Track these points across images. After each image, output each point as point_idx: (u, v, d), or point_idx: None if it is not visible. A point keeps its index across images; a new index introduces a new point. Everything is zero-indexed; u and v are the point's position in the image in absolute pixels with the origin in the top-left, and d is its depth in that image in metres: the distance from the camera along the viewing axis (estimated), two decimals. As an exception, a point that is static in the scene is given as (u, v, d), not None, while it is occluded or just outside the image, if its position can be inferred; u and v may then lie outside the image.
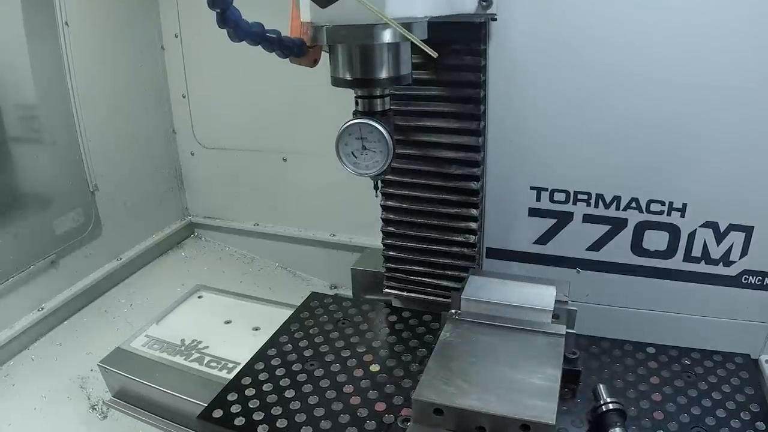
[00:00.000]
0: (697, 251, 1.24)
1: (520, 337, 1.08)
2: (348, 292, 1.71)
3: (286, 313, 1.46)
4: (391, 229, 1.41)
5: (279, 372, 1.22)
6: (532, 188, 1.29)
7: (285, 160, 2.02)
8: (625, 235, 1.27)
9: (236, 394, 1.15)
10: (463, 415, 0.91)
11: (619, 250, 1.29)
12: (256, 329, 1.62)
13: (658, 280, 1.28)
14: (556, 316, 1.10)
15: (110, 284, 1.96)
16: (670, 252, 1.26)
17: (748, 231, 1.19)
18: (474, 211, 1.31)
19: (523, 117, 1.23)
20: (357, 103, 1.00)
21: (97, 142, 1.86)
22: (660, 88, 1.13)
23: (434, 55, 0.89)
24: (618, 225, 1.27)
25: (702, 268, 1.25)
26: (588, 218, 1.28)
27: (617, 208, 1.25)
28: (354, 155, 1.03)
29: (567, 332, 1.09)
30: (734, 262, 1.22)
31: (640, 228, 1.25)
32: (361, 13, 0.83)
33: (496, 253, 1.38)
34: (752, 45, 1.06)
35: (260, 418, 1.09)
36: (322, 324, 1.38)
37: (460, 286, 1.20)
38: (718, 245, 1.22)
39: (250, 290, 1.89)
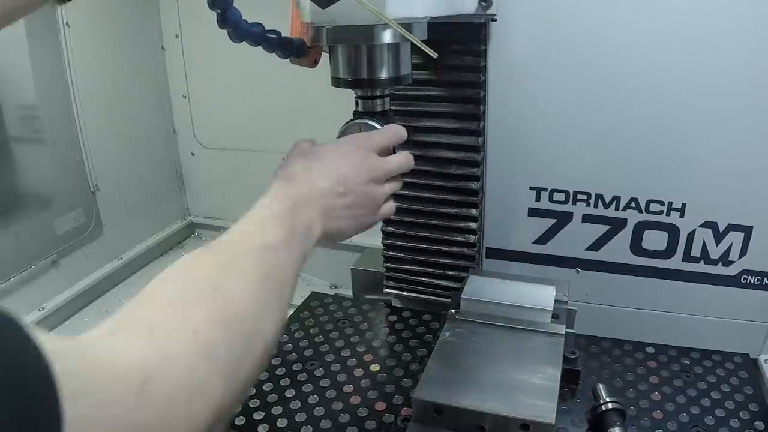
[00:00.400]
0: (696, 251, 1.24)
1: (519, 336, 1.08)
2: (348, 292, 1.71)
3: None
4: (391, 229, 1.41)
5: (279, 372, 1.22)
6: (531, 188, 1.29)
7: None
8: (625, 235, 1.27)
9: (236, 394, 1.15)
10: (463, 414, 0.91)
11: (618, 250, 1.29)
12: (257, 329, 1.62)
13: (658, 280, 1.29)
14: (555, 316, 1.11)
15: (111, 284, 1.96)
16: (669, 252, 1.26)
17: (747, 231, 1.19)
18: (474, 211, 1.31)
19: (523, 117, 1.23)
20: (357, 104, 1.01)
21: (98, 143, 1.86)
22: (660, 88, 1.13)
23: (434, 55, 0.89)
24: (617, 225, 1.27)
25: (701, 267, 1.25)
26: (587, 218, 1.28)
27: (617, 208, 1.25)
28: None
29: (566, 332, 1.09)
30: (733, 261, 1.23)
31: (640, 228, 1.25)
32: (361, 14, 0.84)
33: (495, 253, 1.38)
34: (752, 45, 1.06)
35: (260, 417, 1.09)
36: (322, 324, 1.39)
37: (459, 286, 1.20)
38: (717, 245, 1.22)
39: (251, 290, 1.89)
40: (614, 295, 1.33)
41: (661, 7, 1.08)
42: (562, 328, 1.09)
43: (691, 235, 1.23)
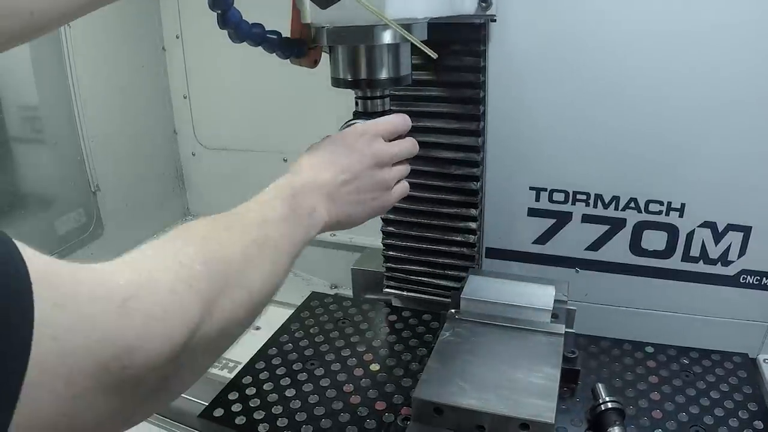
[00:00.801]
0: (695, 251, 1.24)
1: (519, 336, 1.09)
2: (348, 292, 1.71)
3: (286, 313, 1.47)
4: (390, 229, 1.42)
5: (279, 371, 1.22)
6: (531, 188, 1.29)
7: (285, 160, 2.03)
8: (624, 235, 1.27)
9: (237, 393, 1.16)
10: (463, 414, 0.91)
11: (617, 249, 1.29)
12: (257, 328, 1.62)
13: (657, 280, 1.29)
14: (555, 316, 1.11)
15: (112, 284, 1.97)
16: (668, 252, 1.26)
17: (746, 231, 1.19)
18: (473, 211, 1.32)
19: (523, 117, 1.23)
20: (357, 104, 1.01)
21: (99, 143, 1.87)
22: (659, 89, 1.14)
23: (434, 56, 0.90)
24: (617, 225, 1.27)
25: (700, 267, 1.25)
26: (587, 218, 1.28)
27: (616, 208, 1.25)
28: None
29: (566, 331, 1.09)
30: (732, 261, 1.23)
31: (639, 228, 1.26)
32: (361, 14, 0.84)
33: (495, 253, 1.39)
34: (751, 45, 1.06)
35: (261, 417, 1.10)
36: (323, 323, 1.39)
37: (459, 286, 1.21)
38: (716, 245, 1.22)
39: (251, 290, 1.89)
40: (614, 294, 1.34)
41: (660, 8, 1.08)
42: (561, 328, 1.09)
43: (690, 235, 1.23)
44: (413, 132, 1.28)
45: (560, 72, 1.18)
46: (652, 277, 1.29)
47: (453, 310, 1.15)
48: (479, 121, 1.24)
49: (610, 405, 1.01)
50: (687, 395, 1.12)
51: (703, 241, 1.23)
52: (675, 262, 1.27)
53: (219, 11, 0.82)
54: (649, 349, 1.25)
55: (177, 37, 2.05)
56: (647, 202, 1.23)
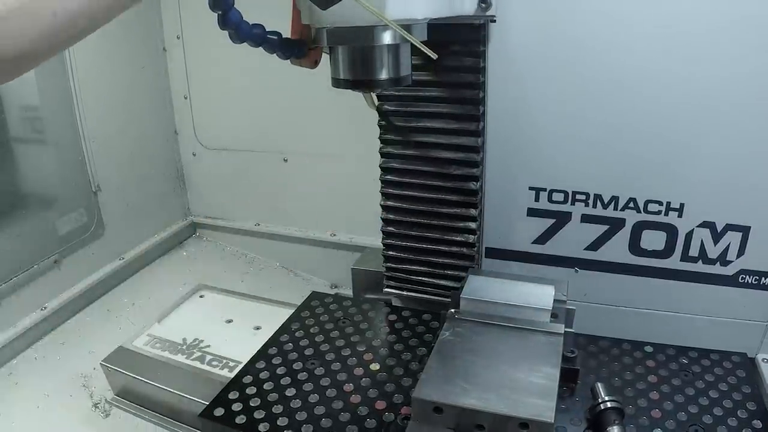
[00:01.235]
0: (694, 251, 1.25)
1: (519, 335, 1.09)
2: (348, 292, 1.72)
3: (286, 313, 1.47)
4: (391, 229, 1.42)
5: (280, 371, 1.23)
6: (530, 188, 1.30)
7: (286, 160, 2.03)
8: (623, 235, 1.28)
9: (237, 393, 1.16)
10: (463, 413, 0.91)
11: (617, 249, 1.29)
12: (258, 328, 1.63)
13: (656, 280, 1.29)
14: (554, 315, 1.11)
15: (113, 284, 1.97)
16: (667, 252, 1.26)
17: (744, 231, 1.20)
18: (473, 211, 1.32)
19: (522, 118, 1.24)
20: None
21: (100, 143, 1.87)
22: (658, 90, 1.14)
23: (434, 56, 0.90)
24: (616, 225, 1.27)
25: (699, 267, 1.26)
26: (586, 218, 1.28)
27: (615, 208, 1.26)
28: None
29: (565, 331, 1.09)
30: (731, 261, 1.23)
31: (638, 228, 1.26)
32: (361, 15, 0.84)
33: (495, 253, 1.39)
34: (749, 46, 1.06)
35: (261, 416, 1.10)
36: (323, 323, 1.39)
37: (459, 286, 1.21)
38: (715, 245, 1.22)
39: (252, 289, 1.90)
40: (613, 294, 1.34)
41: (659, 10, 1.09)
42: (561, 328, 1.09)
43: (689, 235, 1.24)
44: (413, 132, 1.29)
45: (559, 73, 1.18)
46: (651, 277, 1.30)
47: (453, 310, 1.15)
48: (479, 122, 1.24)
49: (609, 404, 1.01)
50: (686, 394, 1.13)
51: (702, 241, 1.23)
52: (674, 262, 1.27)
53: (219, 12, 0.83)
54: (648, 349, 1.26)
55: (178, 38, 2.05)
56: (646, 202, 1.23)
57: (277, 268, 2.15)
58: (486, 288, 1.17)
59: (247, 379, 1.20)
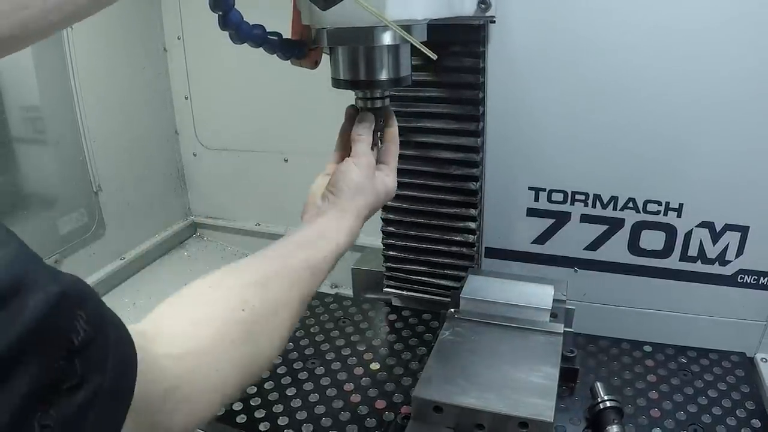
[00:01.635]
0: (693, 251, 1.25)
1: (518, 335, 1.09)
2: (348, 291, 1.72)
3: (287, 312, 1.47)
4: (390, 229, 1.42)
5: (280, 370, 1.23)
6: (530, 188, 1.30)
7: (286, 160, 2.03)
8: (623, 235, 1.28)
9: (238, 392, 1.16)
10: (463, 412, 0.92)
11: (616, 249, 1.30)
12: (258, 328, 1.63)
13: (655, 280, 1.30)
14: (554, 315, 1.12)
15: (113, 283, 1.98)
16: (666, 251, 1.27)
17: (743, 231, 1.20)
18: (473, 211, 1.32)
19: (522, 118, 1.24)
20: (357, 105, 1.02)
21: (101, 143, 1.88)
22: (657, 90, 1.14)
23: (434, 57, 0.90)
24: (615, 225, 1.28)
25: (698, 267, 1.26)
26: (585, 218, 1.29)
27: (614, 209, 1.26)
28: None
29: (565, 331, 1.10)
30: (730, 261, 1.23)
31: (637, 228, 1.26)
32: (361, 16, 0.85)
33: (494, 253, 1.39)
34: (747, 47, 1.07)
35: (262, 415, 1.10)
36: (323, 322, 1.40)
37: (459, 286, 1.21)
38: (714, 245, 1.23)
39: (252, 290, 1.90)
40: (612, 294, 1.34)
41: (658, 10, 1.09)
42: (560, 327, 1.10)
43: (688, 235, 1.24)
44: (413, 133, 1.30)
45: (559, 73, 1.18)
46: (650, 277, 1.30)
47: (453, 310, 1.16)
48: (479, 122, 1.25)
49: (608, 404, 1.02)
50: (685, 394, 1.13)
51: (701, 240, 1.24)
52: (673, 262, 1.27)
53: (220, 13, 0.83)
54: (648, 348, 1.26)
55: (178, 39, 2.06)
56: (645, 202, 1.24)
57: (278, 268, 2.15)
58: (486, 288, 1.18)
59: (248, 378, 1.20)
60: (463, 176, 1.29)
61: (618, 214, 1.26)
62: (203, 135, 2.17)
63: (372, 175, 0.92)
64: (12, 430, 0.33)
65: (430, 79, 1.25)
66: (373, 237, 1.62)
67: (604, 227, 1.29)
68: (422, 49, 0.90)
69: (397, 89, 1.20)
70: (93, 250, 1.91)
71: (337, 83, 0.99)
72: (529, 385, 0.96)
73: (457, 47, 1.20)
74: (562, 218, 1.30)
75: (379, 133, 1.00)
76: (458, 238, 1.36)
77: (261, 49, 0.94)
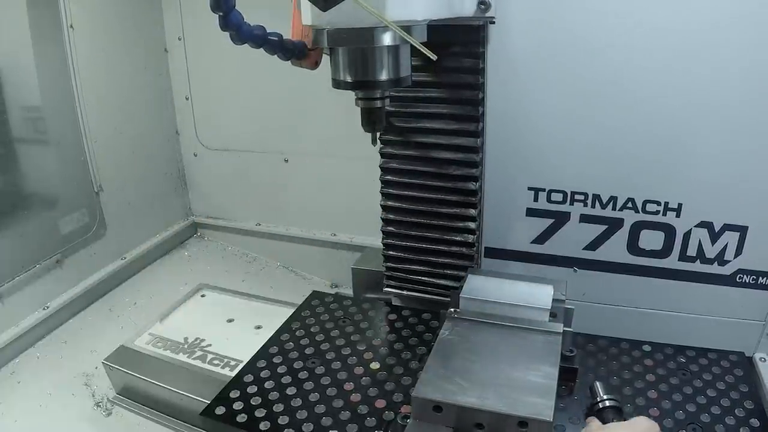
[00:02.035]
0: (692, 251, 1.25)
1: (518, 335, 1.09)
2: (348, 291, 1.72)
3: (287, 312, 1.48)
4: (390, 228, 1.43)
5: (281, 369, 1.23)
6: (529, 189, 1.30)
7: (286, 161, 2.04)
8: (622, 235, 1.28)
9: (238, 392, 1.17)
10: (462, 412, 0.92)
11: (615, 249, 1.30)
12: (258, 327, 1.63)
13: (654, 279, 1.30)
14: (553, 315, 1.12)
15: (114, 283, 1.98)
16: (665, 251, 1.27)
17: (742, 231, 1.21)
18: (472, 211, 1.33)
19: (521, 118, 1.25)
20: (357, 105, 1.02)
21: (102, 144, 1.88)
22: (656, 90, 1.15)
23: (433, 57, 0.91)
24: (614, 225, 1.28)
25: (697, 267, 1.26)
26: (585, 218, 1.29)
27: (613, 208, 1.26)
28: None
29: (564, 330, 1.10)
30: (729, 261, 1.24)
31: (636, 228, 1.27)
32: (361, 16, 0.85)
33: (494, 253, 1.40)
34: (746, 47, 1.07)
35: (262, 414, 1.11)
36: (323, 322, 1.40)
37: (459, 285, 1.22)
38: (712, 245, 1.23)
39: (253, 289, 1.90)
40: (611, 294, 1.35)
41: (656, 11, 1.09)
42: (559, 327, 1.10)
43: (687, 235, 1.24)
44: (413, 133, 1.30)
45: (558, 73, 1.19)
46: (649, 277, 1.30)
47: (452, 309, 1.16)
48: (478, 122, 1.25)
49: (608, 402, 1.02)
50: (684, 393, 1.13)
51: (699, 240, 1.24)
52: (672, 262, 1.28)
53: (221, 13, 0.83)
54: (647, 348, 1.26)
55: (179, 39, 2.06)
56: (644, 203, 1.24)
57: (278, 267, 2.16)
58: (485, 287, 1.18)
59: (248, 377, 1.21)
60: (462, 176, 1.30)
61: (617, 214, 1.27)
62: (204, 135, 2.18)
63: None
64: None
65: (429, 80, 1.25)
66: (373, 237, 1.63)
67: (604, 227, 1.29)
68: (422, 50, 0.90)
69: (397, 90, 1.21)
70: (94, 250, 1.92)
71: (338, 84, 1.00)
72: (529, 384, 0.96)
73: (457, 48, 1.20)
74: (561, 218, 1.31)
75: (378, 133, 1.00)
76: (458, 238, 1.36)
77: (262, 49, 0.94)
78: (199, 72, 2.09)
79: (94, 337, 1.72)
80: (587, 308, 1.32)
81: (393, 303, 1.50)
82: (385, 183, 1.38)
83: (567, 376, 1.11)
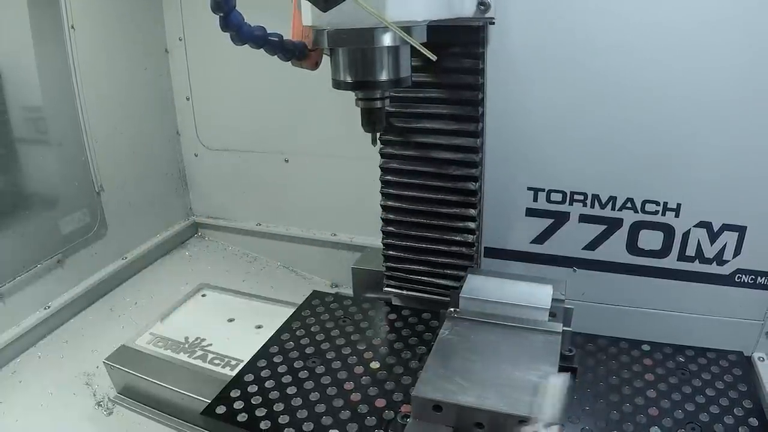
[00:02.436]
0: (691, 250, 1.25)
1: (517, 334, 1.10)
2: (349, 291, 1.73)
3: (288, 312, 1.48)
4: (390, 228, 1.43)
5: (281, 369, 1.24)
6: (529, 189, 1.31)
7: (287, 161, 2.04)
8: (621, 235, 1.29)
9: (239, 391, 1.17)
10: (462, 411, 0.92)
11: (614, 249, 1.30)
12: (259, 327, 1.64)
13: (653, 279, 1.30)
14: (552, 314, 1.12)
15: (115, 283, 1.99)
16: (664, 251, 1.27)
17: (741, 231, 1.21)
18: (472, 211, 1.33)
19: (521, 118, 1.25)
20: (357, 105, 1.03)
21: (103, 144, 1.89)
22: (655, 91, 1.15)
23: (433, 58, 0.91)
24: (613, 225, 1.28)
25: (696, 267, 1.27)
26: (584, 218, 1.29)
27: (613, 208, 1.27)
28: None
29: (563, 330, 1.10)
30: (727, 261, 1.24)
31: (636, 228, 1.27)
32: (361, 17, 0.85)
33: (494, 253, 1.40)
34: (744, 48, 1.07)
35: (262, 414, 1.11)
36: (324, 322, 1.41)
37: (458, 285, 1.22)
38: (711, 245, 1.23)
39: (253, 289, 1.91)
40: (610, 293, 1.35)
41: (655, 11, 1.10)
42: (559, 326, 1.10)
43: (686, 235, 1.25)
44: (413, 133, 1.30)
45: (558, 74, 1.19)
46: (648, 277, 1.31)
47: (452, 309, 1.16)
48: (478, 123, 1.25)
49: None
50: (683, 393, 1.14)
51: (698, 240, 1.24)
52: (671, 262, 1.28)
53: (221, 14, 0.84)
54: (646, 347, 1.27)
55: (180, 40, 2.07)
56: (643, 203, 1.24)
57: (279, 267, 2.16)
58: (485, 287, 1.18)
59: (249, 377, 1.21)
60: (462, 176, 1.30)
61: (616, 214, 1.27)
62: (204, 135, 2.18)
63: None
64: None
65: (429, 80, 1.25)
66: (373, 237, 1.63)
67: (603, 227, 1.29)
68: (422, 50, 0.90)
69: (396, 90, 1.21)
70: (95, 250, 1.92)
71: (338, 84, 1.00)
72: (528, 383, 0.96)
73: (457, 48, 1.21)
74: (560, 218, 1.31)
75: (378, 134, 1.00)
76: (458, 238, 1.36)
77: (262, 50, 0.95)
78: (200, 72, 2.10)
79: (95, 336, 1.72)
80: (587, 308, 1.33)
81: (393, 303, 1.51)
82: (385, 183, 1.39)
83: (566, 375, 1.11)
